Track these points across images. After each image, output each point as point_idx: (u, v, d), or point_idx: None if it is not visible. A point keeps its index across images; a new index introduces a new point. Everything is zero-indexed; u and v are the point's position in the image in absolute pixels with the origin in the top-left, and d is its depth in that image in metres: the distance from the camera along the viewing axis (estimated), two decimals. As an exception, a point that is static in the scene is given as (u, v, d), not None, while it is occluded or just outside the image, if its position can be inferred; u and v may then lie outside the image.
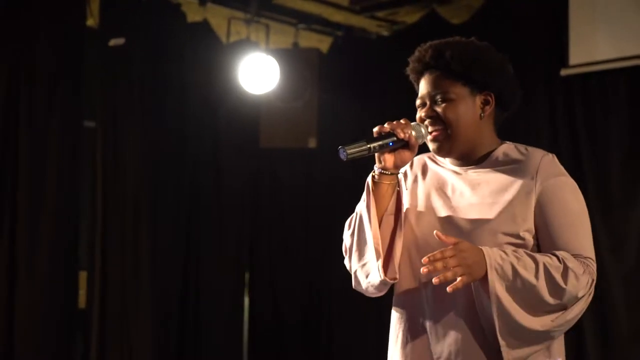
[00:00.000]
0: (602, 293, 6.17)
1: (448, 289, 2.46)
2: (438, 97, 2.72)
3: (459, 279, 2.47)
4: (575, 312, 2.60)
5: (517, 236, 2.63)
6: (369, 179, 2.73)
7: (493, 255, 2.52)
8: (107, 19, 6.43)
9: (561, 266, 2.56)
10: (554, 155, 2.76)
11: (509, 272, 2.52)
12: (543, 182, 2.66)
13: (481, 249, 2.52)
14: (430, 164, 2.86)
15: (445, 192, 2.75)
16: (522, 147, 2.80)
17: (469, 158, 2.78)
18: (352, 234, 2.78)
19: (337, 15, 7.28)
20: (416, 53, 2.80)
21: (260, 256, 7.37)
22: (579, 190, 2.73)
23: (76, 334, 6.30)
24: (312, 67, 6.92)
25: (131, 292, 6.45)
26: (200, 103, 6.97)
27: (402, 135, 2.65)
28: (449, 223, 2.68)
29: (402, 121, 2.69)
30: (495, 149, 2.80)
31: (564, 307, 2.58)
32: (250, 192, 7.20)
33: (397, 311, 2.81)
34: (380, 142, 2.65)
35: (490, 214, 2.64)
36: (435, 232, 2.55)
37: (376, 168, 2.71)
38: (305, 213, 7.60)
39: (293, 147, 7.07)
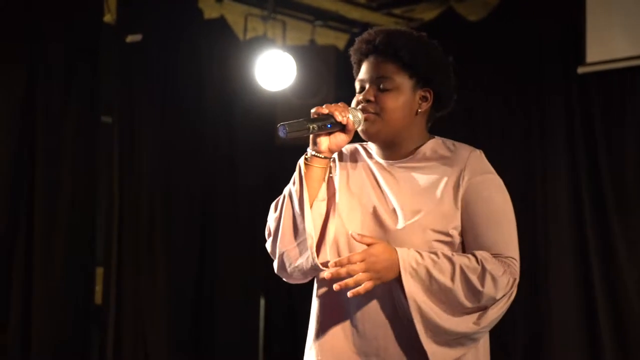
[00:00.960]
0: (619, 295, 6.16)
1: (348, 294, 2.45)
2: (381, 83, 2.68)
3: (362, 285, 2.45)
4: (496, 313, 2.58)
5: (446, 234, 2.62)
6: (301, 162, 2.68)
7: (407, 259, 2.51)
8: (125, 16, 6.43)
9: (479, 268, 2.55)
10: (481, 151, 2.74)
11: (424, 275, 2.51)
12: (470, 179, 2.65)
13: (396, 252, 2.51)
14: (360, 154, 2.82)
15: (374, 186, 2.72)
16: (449, 143, 2.77)
17: (397, 151, 2.74)
18: (280, 217, 2.70)
19: (354, 12, 7.28)
20: (365, 35, 2.77)
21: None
22: (504, 189, 2.71)
23: (92, 330, 6.31)
24: (329, 64, 6.91)
25: (147, 288, 6.47)
26: (216, 99, 6.98)
27: (339, 119, 2.61)
28: (377, 218, 2.66)
29: (339, 104, 2.65)
30: (423, 144, 2.75)
31: (481, 308, 2.56)
32: (265, 189, 7.19)
33: (319, 302, 2.76)
34: (319, 123, 2.60)
35: (420, 211, 2.62)
36: (351, 232, 2.54)
37: (309, 150, 2.66)
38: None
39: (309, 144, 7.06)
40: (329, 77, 6.89)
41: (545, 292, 6.39)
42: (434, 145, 2.75)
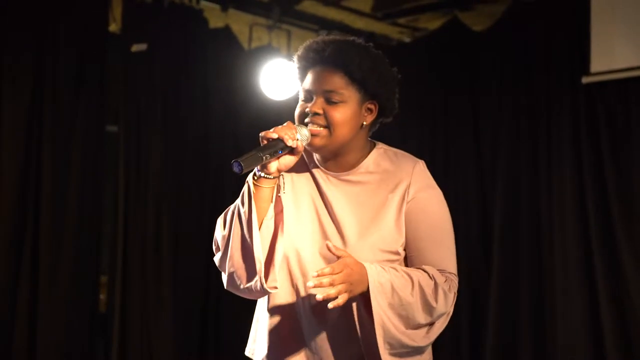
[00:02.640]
0: (624, 306, 6.15)
1: (330, 305, 2.44)
2: (330, 96, 2.65)
3: (340, 297, 2.45)
4: (441, 327, 2.67)
5: (396, 252, 2.67)
6: (249, 180, 2.67)
7: (374, 273, 2.53)
8: (130, 25, 6.45)
9: (432, 284, 2.62)
10: (423, 162, 2.76)
11: (389, 289, 2.54)
12: (415, 194, 2.68)
13: (363, 266, 2.52)
14: (305, 163, 2.79)
15: (319, 199, 2.73)
16: (391, 153, 2.78)
17: (340, 163, 2.74)
18: (229, 235, 2.69)
19: (359, 22, 7.29)
20: (313, 43, 2.74)
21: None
22: (445, 203, 2.75)
23: (97, 338, 6.31)
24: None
25: (152, 296, 6.47)
26: (221, 108, 6.98)
27: (290, 143, 2.58)
28: (325, 235, 2.67)
29: (286, 125, 2.62)
30: (366, 155, 2.76)
31: (431, 322, 2.64)
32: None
33: (269, 319, 2.79)
34: (270, 151, 2.58)
35: (367, 230, 2.65)
36: (327, 242, 2.53)
37: (257, 171, 2.64)
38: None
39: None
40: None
41: (551, 302, 6.38)
42: (376, 157, 2.76)
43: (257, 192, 2.63)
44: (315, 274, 2.44)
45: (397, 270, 2.58)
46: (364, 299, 2.55)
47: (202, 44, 6.84)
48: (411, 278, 2.58)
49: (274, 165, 2.61)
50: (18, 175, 5.85)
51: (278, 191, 2.66)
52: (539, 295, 6.41)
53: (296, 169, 2.75)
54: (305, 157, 2.79)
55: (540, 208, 6.48)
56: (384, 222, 2.65)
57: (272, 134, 2.58)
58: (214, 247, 2.81)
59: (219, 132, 6.98)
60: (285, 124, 2.62)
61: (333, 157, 2.73)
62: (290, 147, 2.59)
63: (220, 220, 2.76)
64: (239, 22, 7.09)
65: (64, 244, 6.01)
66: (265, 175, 2.63)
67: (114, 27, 6.43)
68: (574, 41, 6.48)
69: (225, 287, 2.77)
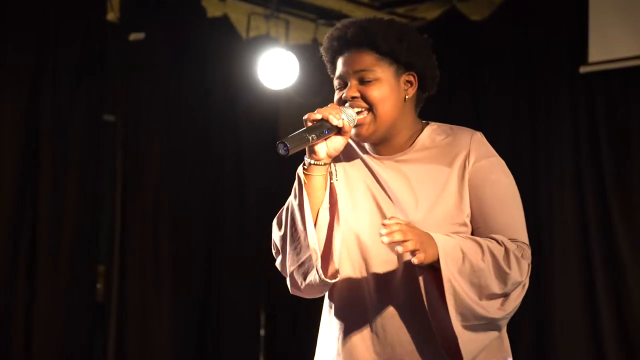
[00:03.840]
0: (623, 298, 6.16)
1: (399, 249, 2.30)
2: (363, 76, 2.57)
3: (416, 255, 2.32)
4: (516, 299, 2.52)
5: (463, 224, 2.55)
6: (300, 172, 2.57)
7: (441, 239, 2.40)
8: (128, 14, 6.45)
9: (502, 249, 2.47)
10: (481, 133, 2.66)
11: (459, 255, 2.41)
12: (475, 163, 2.57)
13: (429, 233, 2.40)
14: (353, 149, 2.69)
15: (374, 183, 2.62)
16: (447, 128, 2.67)
17: (392, 144, 2.63)
18: (285, 233, 2.60)
19: (357, 11, 7.28)
20: (334, 31, 2.64)
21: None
22: (508, 172, 2.64)
23: (95, 328, 6.31)
24: (332, 63, 6.91)
25: (150, 286, 6.46)
26: (219, 98, 6.97)
27: (335, 122, 2.48)
28: (385, 216, 2.55)
29: (331, 107, 2.53)
30: (420, 132, 2.66)
31: (506, 293, 2.49)
32: (271, 187, 7.18)
33: (334, 310, 2.66)
34: (317, 132, 2.47)
35: (431, 204, 2.54)
36: (383, 222, 2.35)
37: (307, 160, 2.54)
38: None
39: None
40: (331, 76, 6.88)
41: (550, 294, 6.39)
42: (431, 132, 2.65)
43: (309, 182, 2.54)
44: (387, 225, 2.30)
45: (464, 238, 2.46)
46: (432, 271, 2.42)
47: (200, 33, 6.83)
48: (480, 244, 2.45)
49: (322, 150, 2.52)
50: (16, 165, 5.84)
51: (331, 179, 2.58)
52: (536, 283, 6.43)
53: (347, 158, 2.68)
54: (355, 146, 2.69)
55: (538, 198, 6.49)
56: (447, 196, 2.54)
57: (316, 115, 2.49)
58: (273, 251, 2.69)
59: (217, 121, 6.97)
60: (328, 105, 2.54)
61: (384, 141, 2.63)
62: (337, 126, 2.49)
63: (275, 222, 2.67)
64: (237, 11, 7.07)
65: (62, 233, 6.00)
66: (316, 162, 2.53)
67: (112, 16, 6.41)
68: (571, 30, 6.48)
69: (290, 292, 2.65)
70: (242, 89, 6.96)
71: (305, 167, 2.56)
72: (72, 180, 6.07)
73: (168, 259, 6.56)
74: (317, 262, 2.50)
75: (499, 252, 2.46)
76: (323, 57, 2.70)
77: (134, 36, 6.41)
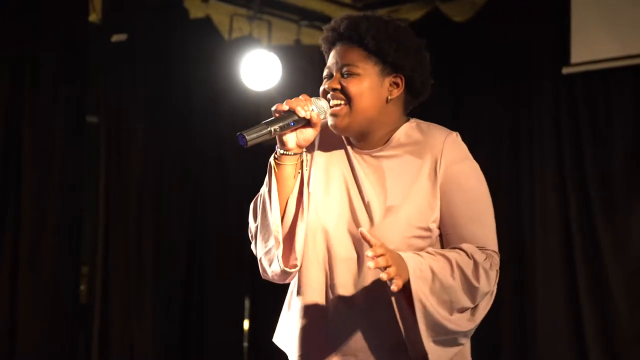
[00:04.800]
0: (604, 295, 6.18)
1: (382, 276, 2.31)
2: (345, 70, 2.59)
3: (394, 282, 2.34)
4: (485, 308, 2.54)
5: (426, 229, 2.55)
6: (271, 160, 2.60)
7: (412, 260, 2.42)
8: (110, 15, 6.43)
9: (471, 263, 2.48)
10: (457, 134, 2.65)
11: (428, 274, 2.42)
12: (447, 167, 2.56)
13: (399, 253, 2.41)
14: (340, 142, 2.70)
15: (350, 176, 2.64)
16: (424, 125, 2.66)
17: (370, 140, 2.64)
18: (255, 219, 2.66)
19: (339, 12, 7.20)
20: (332, 22, 2.67)
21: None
22: (482, 175, 2.62)
23: (78, 329, 6.30)
24: (314, 64, 6.91)
25: (133, 287, 6.45)
26: (202, 99, 6.97)
27: (302, 114, 2.51)
28: (354, 213, 2.58)
29: (301, 97, 2.55)
30: (397, 129, 2.65)
31: (475, 305, 2.51)
32: (254, 188, 7.14)
33: (294, 295, 2.68)
34: (281, 124, 2.50)
35: (397, 205, 2.54)
36: (360, 230, 2.41)
37: (277, 149, 2.58)
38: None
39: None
40: (314, 77, 6.88)
41: (532, 293, 6.41)
42: (407, 129, 2.65)
43: (280, 171, 2.57)
44: (374, 251, 2.31)
45: (432, 254, 2.46)
46: (402, 289, 2.40)
47: (182, 34, 6.83)
48: (449, 260, 2.46)
49: (292, 140, 2.55)
50: (-3, 166, 5.83)
51: (301, 168, 2.61)
52: (519, 283, 6.44)
53: (332, 148, 2.70)
54: (344, 138, 2.70)
55: (521, 198, 6.50)
56: (414, 196, 2.54)
57: (284, 106, 2.52)
58: (249, 236, 2.73)
59: (199, 122, 6.96)
60: (299, 97, 2.56)
61: (363, 136, 2.64)
62: (304, 118, 2.52)
63: (251, 207, 2.72)
64: (220, 13, 7.07)
65: (45, 234, 5.98)
66: (285, 152, 2.57)
67: (94, 17, 6.40)
68: (554, 32, 6.50)
69: (262, 277, 2.69)
70: (225, 90, 6.96)
71: (276, 156, 2.58)
72: (55, 182, 6.05)
73: (151, 260, 6.55)
74: (279, 250, 2.54)
75: (468, 266, 2.47)
76: (321, 47, 2.73)
77: (116, 37, 6.40)
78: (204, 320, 6.90)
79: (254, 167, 7.15)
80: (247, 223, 2.72)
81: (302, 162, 2.61)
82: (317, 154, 2.70)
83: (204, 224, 7.00)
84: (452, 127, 2.71)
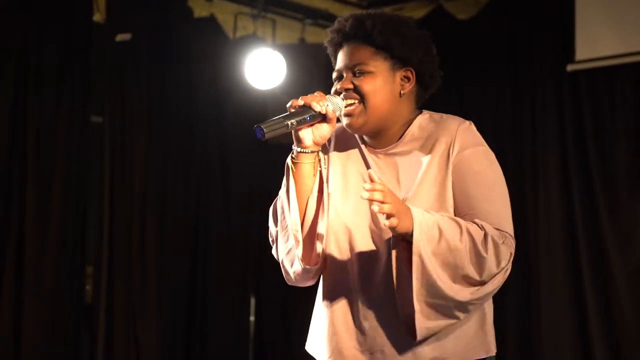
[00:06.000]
0: (608, 292, 6.17)
1: (385, 222, 2.33)
2: (356, 69, 2.59)
3: (387, 221, 2.33)
4: (494, 285, 2.48)
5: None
6: (289, 161, 2.61)
7: (419, 214, 2.39)
8: (114, 14, 6.43)
9: (482, 233, 2.45)
10: (470, 122, 2.66)
11: (435, 231, 2.39)
12: (460, 152, 2.56)
13: (409, 207, 2.40)
14: (355, 142, 2.71)
15: (367, 175, 2.59)
16: (437, 116, 2.67)
17: (386, 136, 2.64)
18: (276, 224, 2.66)
19: (344, 11, 7.27)
20: (336, 24, 2.68)
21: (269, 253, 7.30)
22: (496, 161, 2.62)
23: (83, 329, 6.30)
24: (319, 63, 6.90)
25: (138, 287, 6.46)
26: (206, 98, 6.97)
27: (318, 109, 2.52)
28: (373, 210, 2.49)
29: (316, 94, 2.56)
30: (411, 123, 2.65)
31: (483, 281, 2.46)
32: (258, 187, 7.17)
33: (322, 296, 2.69)
34: (297, 118, 2.50)
35: (414, 197, 2.53)
36: (369, 171, 2.45)
37: (295, 148, 2.58)
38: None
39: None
40: (319, 75, 6.88)
41: (536, 289, 6.40)
42: (421, 122, 2.65)
43: (297, 170, 2.58)
44: (372, 186, 2.31)
45: (443, 216, 2.44)
46: (407, 246, 2.40)
47: (186, 33, 6.83)
48: (459, 224, 2.43)
49: (308, 137, 2.56)
50: (2, 166, 5.83)
51: (319, 166, 2.61)
52: (523, 283, 6.43)
53: (347, 148, 2.70)
54: (357, 138, 2.71)
55: (525, 195, 6.49)
56: (428, 184, 2.54)
57: (299, 101, 2.54)
58: (270, 240, 2.73)
59: (203, 122, 6.97)
60: (314, 93, 2.57)
61: (378, 133, 2.64)
62: (319, 112, 2.53)
63: (271, 210, 2.71)
64: (224, 12, 7.06)
65: (50, 234, 5.99)
66: (303, 150, 2.58)
67: (98, 17, 6.40)
68: (558, 29, 6.50)
69: (288, 284, 2.71)
70: (229, 89, 6.96)
71: (294, 155, 2.59)
72: (59, 182, 6.05)
73: (156, 259, 6.56)
74: (299, 249, 2.55)
75: (478, 234, 2.44)
76: (327, 50, 2.73)
77: (120, 37, 6.40)
78: (208, 320, 6.90)
79: (259, 165, 7.17)
80: (264, 225, 2.71)
81: (319, 160, 2.62)
82: (333, 155, 2.71)
83: (209, 223, 7.00)
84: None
